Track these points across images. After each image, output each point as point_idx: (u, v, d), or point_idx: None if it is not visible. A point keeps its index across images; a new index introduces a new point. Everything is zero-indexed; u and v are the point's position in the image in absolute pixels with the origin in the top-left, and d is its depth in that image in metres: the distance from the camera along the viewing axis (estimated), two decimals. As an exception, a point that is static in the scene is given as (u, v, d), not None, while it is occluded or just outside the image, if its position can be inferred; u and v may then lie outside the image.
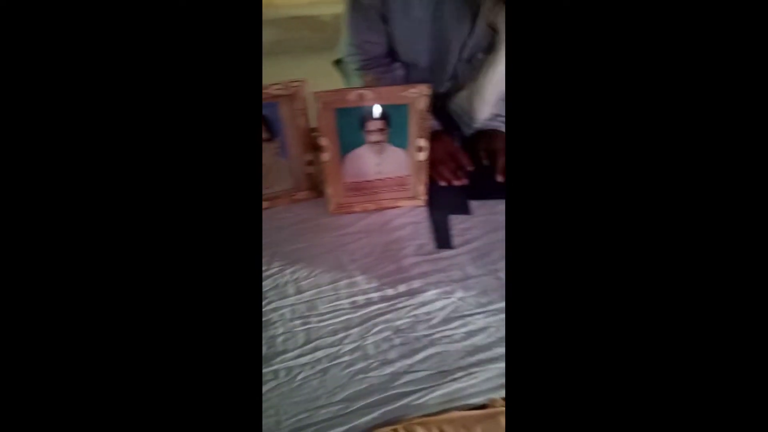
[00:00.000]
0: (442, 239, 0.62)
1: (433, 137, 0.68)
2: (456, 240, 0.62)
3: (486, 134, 0.74)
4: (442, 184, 0.68)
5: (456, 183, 0.68)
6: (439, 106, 0.80)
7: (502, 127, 0.74)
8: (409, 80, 0.75)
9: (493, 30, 0.65)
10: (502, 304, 0.54)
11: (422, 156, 0.62)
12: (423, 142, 0.61)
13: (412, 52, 0.71)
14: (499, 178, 0.69)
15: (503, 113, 0.75)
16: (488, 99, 0.72)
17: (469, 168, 0.69)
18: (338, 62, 0.88)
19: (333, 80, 0.92)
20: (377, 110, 0.57)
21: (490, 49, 0.68)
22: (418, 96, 0.56)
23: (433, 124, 0.72)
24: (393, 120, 0.58)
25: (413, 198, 0.66)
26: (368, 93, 0.55)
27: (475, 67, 0.71)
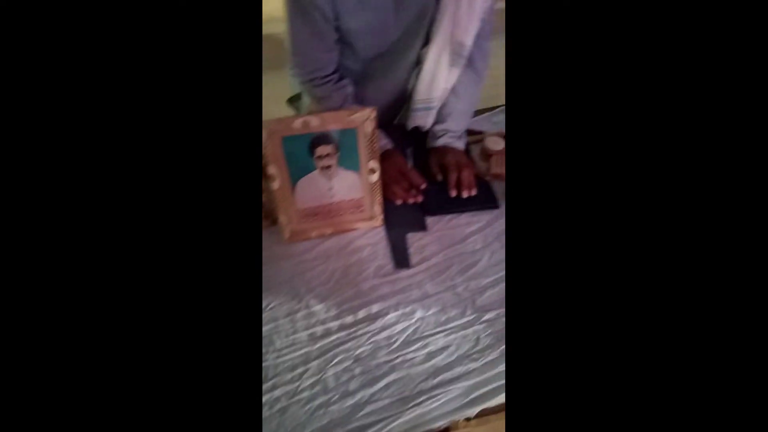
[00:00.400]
0: (400, 259, 0.62)
1: (384, 157, 0.67)
2: (414, 258, 0.62)
3: (438, 150, 0.75)
4: (398, 202, 0.68)
5: (410, 201, 0.68)
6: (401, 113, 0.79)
7: (453, 143, 0.76)
8: (366, 81, 0.72)
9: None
10: (461, 321, 0.55)
11: (375, 177, 0.62)
12: (374, 164, 0.61)
13: (372, 45, 0.67)
14: (453, 193, 0.70)
15: (454, 128, 0.77)
16: (426, 82, 0.72)
17: (423, 186, 0.70)
18: (292, 100, 0.86)
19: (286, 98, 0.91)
20: (332, 135, 0.56)
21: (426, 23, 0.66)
22: (365, 119, 0.57)
23: (385, 142, 0.72)
24: (342, 144, 0.58)
25: (370, 219, 0.66)
26: (313, 120, 0.55)
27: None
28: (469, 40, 0.69)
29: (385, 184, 0.65)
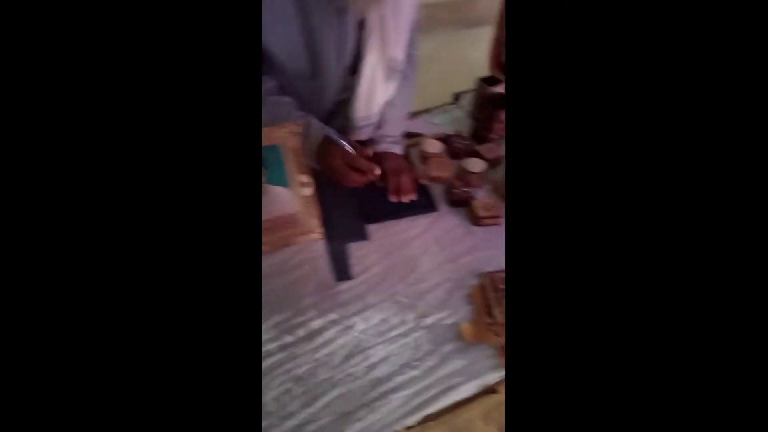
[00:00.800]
0: (341, 271, 0.62)
1: (324, 150, 0.65)
2: (355, 268, 0.62)
3: (377, 156, 0.75)
4: (362, 184, 0.66)
5: (371, 180, 0.66)
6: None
7: (391, 148, 0.76)
8: (288, 93, 0.69)
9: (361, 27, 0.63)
10: (402, 329, 0.55)
11: (308, 191, 0.61)
12: (305, 178, 0.60)
13: (291, 63, 0.65)
14: (392, 199, 0.70)
15: (391, 133, 0.77)
16: (364, 99, 0.71)
17: (375, 170, 0.66)
18: None
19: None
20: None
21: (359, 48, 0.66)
22: (290, 134, 0.55)
23: (322, 132, 0.68)
24: (268, 161, 0.56)
25: (308, 233, 0.65)
26: (234, 138, 0.53)
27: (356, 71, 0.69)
28: (400, 54, 0.69)
29: (337, 177, 0.64)
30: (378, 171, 0.67)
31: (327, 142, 0.67)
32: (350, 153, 0.67)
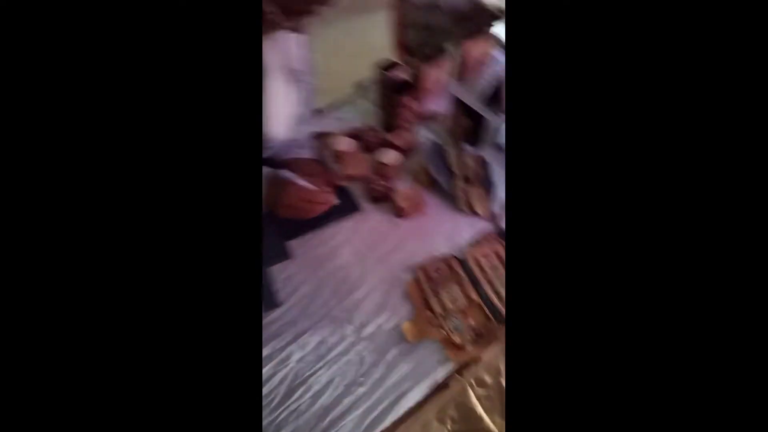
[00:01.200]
0: (267, 299, 0.57)
1: (277, 186, 0.61)
2: (281, 294, 0.57)
3: (287, 164, 0.70)
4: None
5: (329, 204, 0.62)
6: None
7: (300, 153, 0.71)
8: None
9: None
10: (342, 346, 0.52)
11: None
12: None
13: None
14: (311, 208, 0.65)
15: (298, 136, 0.72)
16: (276, 118, 0.67)
17: (330, 198, 0.63)
18: None
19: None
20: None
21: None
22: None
23: (272, 170, 0.63)
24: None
25: (222, 265, 0.58)
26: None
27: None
28: (301, 64, 0.64)
29: (294, 214, 0.60)
30: (335, 199, 0.63)
31: (275, 182, 0.61)
32: (304, 187, 0.62)
